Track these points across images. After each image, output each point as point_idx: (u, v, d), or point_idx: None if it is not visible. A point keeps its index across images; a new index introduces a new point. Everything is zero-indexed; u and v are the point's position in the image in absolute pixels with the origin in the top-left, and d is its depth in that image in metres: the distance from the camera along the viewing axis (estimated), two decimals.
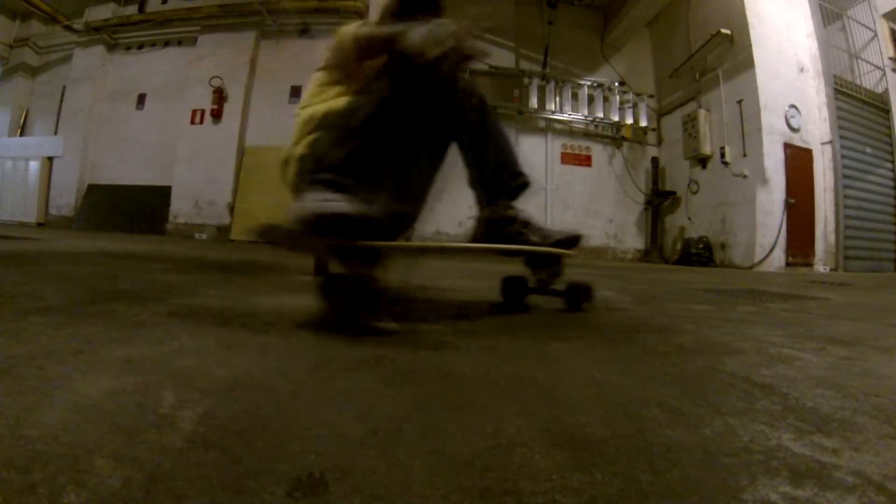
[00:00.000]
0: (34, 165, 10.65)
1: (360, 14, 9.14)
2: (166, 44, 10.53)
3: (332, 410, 0.81)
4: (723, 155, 8.18)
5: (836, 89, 8.56)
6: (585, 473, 0.63)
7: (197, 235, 9.09)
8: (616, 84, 9.64)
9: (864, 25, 9.57)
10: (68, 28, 10.87)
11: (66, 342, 1.12)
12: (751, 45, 7.69)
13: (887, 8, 9.48)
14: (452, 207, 9.04)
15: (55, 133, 10.87)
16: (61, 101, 10.96)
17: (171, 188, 9.59)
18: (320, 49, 9.41)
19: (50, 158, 10.65)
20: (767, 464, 0.67)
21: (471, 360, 1.19)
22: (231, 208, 9.20)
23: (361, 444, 0.68)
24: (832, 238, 8.28)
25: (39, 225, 10.28)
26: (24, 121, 11.56)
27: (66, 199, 10.40)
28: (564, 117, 9.39)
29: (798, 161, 7.95)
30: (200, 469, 0.58)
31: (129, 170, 10.22)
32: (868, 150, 8.79)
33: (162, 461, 0.60)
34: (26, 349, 1.05)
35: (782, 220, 7.65)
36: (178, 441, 0.66)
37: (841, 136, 8.40)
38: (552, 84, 9.40)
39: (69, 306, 1.54)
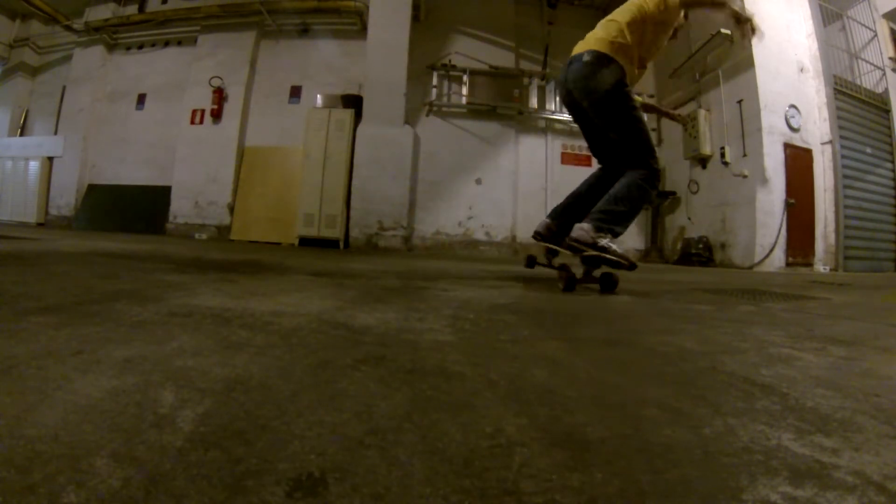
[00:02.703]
0: (34, 165, 10.65)
1: (361, 14, 9.12)
2: (166, 44, 10.52)
3: (332, 410, 0.81)
4: (723, 155, 8.17)
5: (836, 89, 8.54)
6: (585, 473, 0.63)
7: (197, 235, 9.08)
8: None
9: (864, 25, 9.57)
10: (68, 28, 10.87)
11: (66, 342, 1.12)
12: (751, 45, 7.67)
13: (887, 8, 9.46)
14: (453, 208, 9.05)
15: (55, 133, 10.87)
16: (61, 101, 10.95)
17: (170, 188, 9.58)
18: (320, 48, 9.42)
19: (50, 158, 10.64)
20: (767, 464, 0.67)
21: (470, 359, 1.19)
22: (231, 208, 9.20)
23: (361, 444, 0.68)
24: (832, 238, 8.27)
25: (39, 225, 10.27)
26: (24, 121, 11.56)
27: (65, 199, 10.39)
28: (564, 117, 9.34)
29: (798, 161, 7.93)
30: (200, 469, 0.58)
31: (128, 170, 10.22)
32: (868, 150, 8.78)
33: (162, 461, 0.60)
34: (26, 349, 1.05)
35: (782, 220, 7.64)
36: (178, 441, 0.66)
37: (841, 136, 8.39)
38: (552, 84, 9.38)
39: (69, 306, 1.54)
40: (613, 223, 3.02)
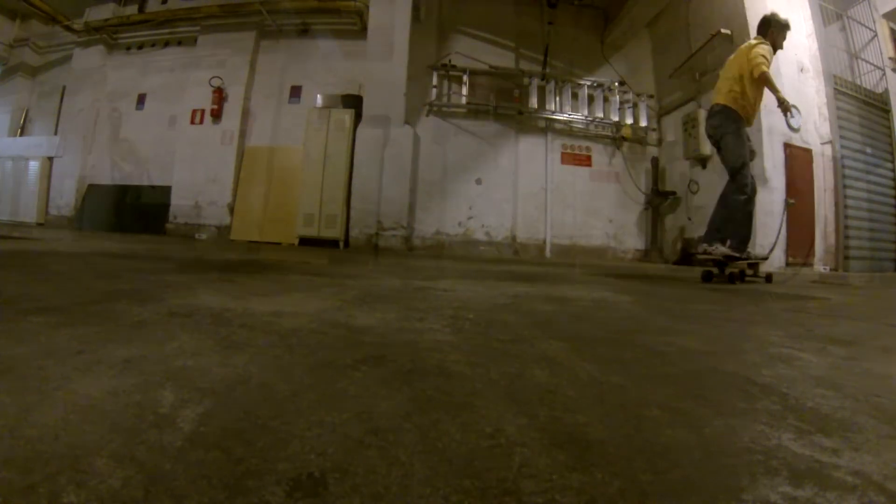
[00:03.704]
0: (34, 165, 10.64)
1: (361, 14, 9.11)
2: (166, 44, 10.50)
3: (331, 410, 0.81)
4: None
5: (836, 89, 8.53)
6: (585, 473, 0.63)
7: (197, 235, 9.06)
8: (616, 84, 9.60)
9: (864, 25, 9.56)
10: (68, 28, 10.84)
11: (66, 342, 1.12)
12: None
13: (887, 8, 9.45)
14: (453, 208, 9.04)
15: (55, 133, 10.86)
16: (61, 101, 10.94)
17: (170, 188, 9.57)
18: (320, 49, 9.42)
19: (50, 158, 10.64)
20: (767, 464, 0.67)
21: (470, 359, 1.19)
22: (231, 208, 9.19)
23: (361, 444, 0.68)
24: (832, 238, 8.26)
25: (39, 225, 10.26)
26: (24, 121, 11.55)
27: (66, 199, 10.38)
28: (564, 117, 9.35)
29: (798, 161, 7.92)
30: (200, 469, 0.58)
31: (128, 169, 10.20)
32: (868, 150, 8.77)
33: (162, 461, 0.60)
34: (26, 349, 1.05)
35: (782, 221, 7.62)
36: (178, 441, 0.66)
37: (841, 136, 8.39)
38: (552, 84, 9.38)
39: (69, 306, 1.54)
40: (714, 233, 4.66)
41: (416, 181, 8.87)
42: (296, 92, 9.65)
